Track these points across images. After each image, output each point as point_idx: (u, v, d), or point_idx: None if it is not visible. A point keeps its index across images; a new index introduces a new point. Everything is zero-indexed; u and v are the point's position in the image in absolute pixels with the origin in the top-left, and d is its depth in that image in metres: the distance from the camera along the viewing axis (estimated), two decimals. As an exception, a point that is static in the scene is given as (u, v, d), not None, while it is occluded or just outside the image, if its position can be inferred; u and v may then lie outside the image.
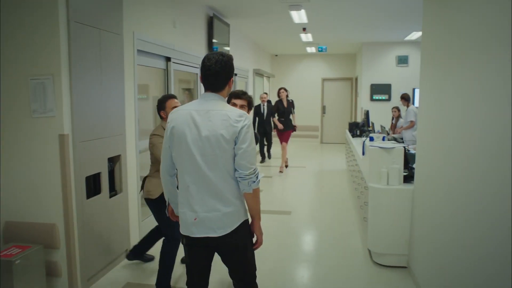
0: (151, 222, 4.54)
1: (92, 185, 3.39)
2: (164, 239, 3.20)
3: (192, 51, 5.63)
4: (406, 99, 7.54)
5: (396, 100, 10.23)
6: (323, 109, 13.26)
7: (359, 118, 10.93)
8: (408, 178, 3.69)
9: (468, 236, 2.37)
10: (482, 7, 2.24)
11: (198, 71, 5.90)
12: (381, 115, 9.70)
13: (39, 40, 2.88)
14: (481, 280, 2.12)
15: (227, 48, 7.24)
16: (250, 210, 2.12)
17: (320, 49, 11.21)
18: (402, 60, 10.25)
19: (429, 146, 3.14)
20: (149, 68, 4.60)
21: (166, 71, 4.90)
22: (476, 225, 2.24)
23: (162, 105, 3.15)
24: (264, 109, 8.89)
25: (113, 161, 3.68)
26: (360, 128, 7.73)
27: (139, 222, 4.18)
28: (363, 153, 4.21)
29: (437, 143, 2.95)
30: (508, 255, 1.81)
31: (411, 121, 7.26)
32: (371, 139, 4.17)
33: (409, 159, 3.83)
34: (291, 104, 8.22)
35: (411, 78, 10.16)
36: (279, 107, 8.19)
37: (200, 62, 5.92)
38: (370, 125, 7.21)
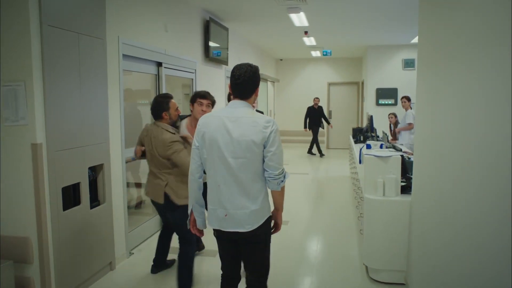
0: (140, 234, 4.38)
1: (72, 196, 3.25)
2: (183, 243, 3.20)
3: (187, 56, 5.48)
4: (409, 99, 7.33)
5: (402, 105, 9.97)
6: (329, 114, 13.03)
7: (365, 123, 10.69)
8: (407, 188, 3.48)
9: (470, 253, 2.17)
10: (478, 8, 2.04)
11: (193, 76, 5.75)
12: (387, 120, 9.43)
13: (10, 45, 2.74)
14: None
15: (226, 53, 7.09)
16: (275, 203, 2.35)
17: (324, 53, 11.01)
18: (409, 64, 9.99)
19: (427, 154, 2.93)
20: (144, 73, 4.47)
21: (158, 76, 4.75)
22: (479, 241, 2.05)
23: (166, 106, 3.17)
24: None
25: (96, 170, 3.53)
26: (363, 134, 7.50)
27: (126, 234, 4.01)
28: (360, 161, 4.00)
29: (435, 151, 2.74)
30: None
31: (410, 124, 7.06)
32: (368, 146, 3.96)
33: (407, 168, 3.61)
34: None
35: (418, 82, 9.88)
36: None
37: (195, 67, 5.77)
38: (374, 131, 6.98)
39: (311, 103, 13.13)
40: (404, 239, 3.33)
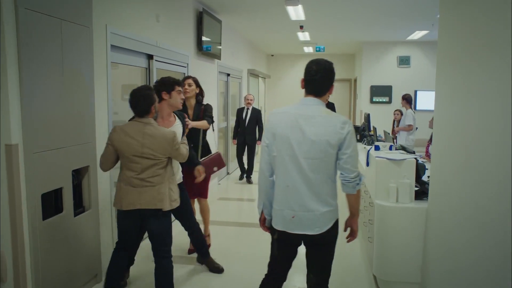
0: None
1: (53, 203, 2.89)
2: (163, 258, 2.85)
3: (179, 49, 5.13)
4: (408, 100, 7.15)
5: (397, 103, 9.77)
6: (321, 111, 12.79)
7: (358, 121, 10.47)
8: (420, 194, 3.22)
9: (493, 264, 1.97)
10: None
11: (185, 70, 5.40)
12: (381, 118, 9.20)
13: (-19, 30, 2.38)
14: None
15: (219, 47, 6.74)
16: (351, 208, 2.30)
17: (318, 49, 10.72)
18: (404, 61, 9.79)
19: (447, 157, 2.67)
20: (133, 66, 4.11)
21: (148, 70, 4.40)
22: (503, 251, 1.85)
23: (154, 99, 2.77)
24: (248, 114, 7.24)
25: (81, 173, 3.18)
26: (360, 133, 7.25)
27: (113, 242, 3.67)
28: (368, 164, 3.74)
29: (457, 153, 2.49)
30: None
31: (409, 125, 6.86)
32: (377, 148, 3.69)
33: (420, 172, 3.35)
34: (202, 110, 3.86)
35: (412, 80, 9.71)
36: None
37: (188, 60, 5.41)
38: (372, 129, 6.72)
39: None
40: (419, 249, 3.07)
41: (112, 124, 3.61)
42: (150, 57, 4.36)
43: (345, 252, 4.11)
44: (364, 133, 7.14)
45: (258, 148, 8.83)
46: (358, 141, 7.16)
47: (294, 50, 11.92)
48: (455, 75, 2.62)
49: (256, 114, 7.25)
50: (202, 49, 5.88)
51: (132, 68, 4.24)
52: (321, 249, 2.26)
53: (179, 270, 3.63)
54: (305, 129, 2.10)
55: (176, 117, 3.24)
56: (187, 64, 5.43)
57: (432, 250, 2.89)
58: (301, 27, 7.79)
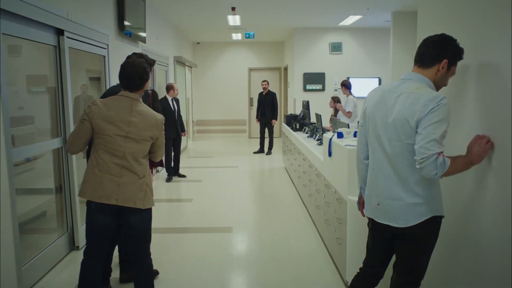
0: (41, 264, 3.18)
1: None
2: (145, 256, 2.52)
3: (97, 26, 4.26)
4: (347, 86, 6.83)
5: (330, 90, 9.62)
6: (251, 101, 12.35)
7: (291, 110, 10.18)
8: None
9: (480, 265, 1.90)
10: None
11: (105, 52, 4.53)
12: (316, 105, 8.97)
13: None
14: None
15: (143, 28, 5.89)
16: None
17: (247, 35, 10.21)
18: (336, 48, 9.63)
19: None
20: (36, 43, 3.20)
21: (58, 48, 3.51)
22: (491, 251, 1.80)
23: (148, 74, 2.49)
24: (175, 105, 6.49)
25: (-37, 185, 2.31)
26: (299, 121, 6.89)
27: (17, 269, 2.81)
28: (330, 154, 3.28)
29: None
30: None
31: (349, 112, 6.57)
32: (340, 135, 3.25)
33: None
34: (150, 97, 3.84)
35: (345, 67, 9.62)
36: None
37: (108, 41, 4.52)
38: (316, 118, 6.31)
39: (230, 90, 12.32)
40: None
41: (8, 116, 2.73)
42: (60, 32, 3.47)
43: (308, 259, 3.63)
44: (304, 121, 6.78)
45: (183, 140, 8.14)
46: (297, 130, 6.79)
47: (221, 38, 11.27)
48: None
49: (179, 104, 6.65)
50: (124, 28, 5.03)
51: (35, 46, 3.33)
52: (410, 245, 1.94)
53: None
54: (389, 108, 1.89)
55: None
56: (107, 45, 4.56)
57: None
58: (233, 8, 7.19)
